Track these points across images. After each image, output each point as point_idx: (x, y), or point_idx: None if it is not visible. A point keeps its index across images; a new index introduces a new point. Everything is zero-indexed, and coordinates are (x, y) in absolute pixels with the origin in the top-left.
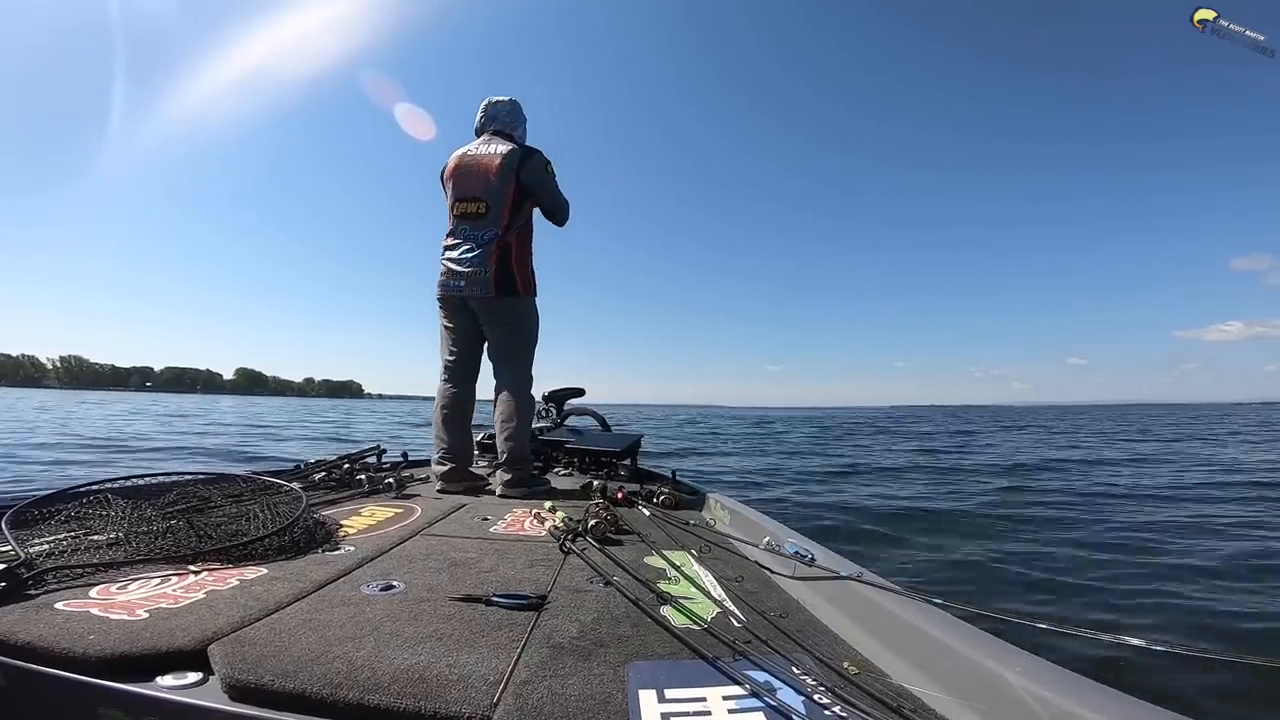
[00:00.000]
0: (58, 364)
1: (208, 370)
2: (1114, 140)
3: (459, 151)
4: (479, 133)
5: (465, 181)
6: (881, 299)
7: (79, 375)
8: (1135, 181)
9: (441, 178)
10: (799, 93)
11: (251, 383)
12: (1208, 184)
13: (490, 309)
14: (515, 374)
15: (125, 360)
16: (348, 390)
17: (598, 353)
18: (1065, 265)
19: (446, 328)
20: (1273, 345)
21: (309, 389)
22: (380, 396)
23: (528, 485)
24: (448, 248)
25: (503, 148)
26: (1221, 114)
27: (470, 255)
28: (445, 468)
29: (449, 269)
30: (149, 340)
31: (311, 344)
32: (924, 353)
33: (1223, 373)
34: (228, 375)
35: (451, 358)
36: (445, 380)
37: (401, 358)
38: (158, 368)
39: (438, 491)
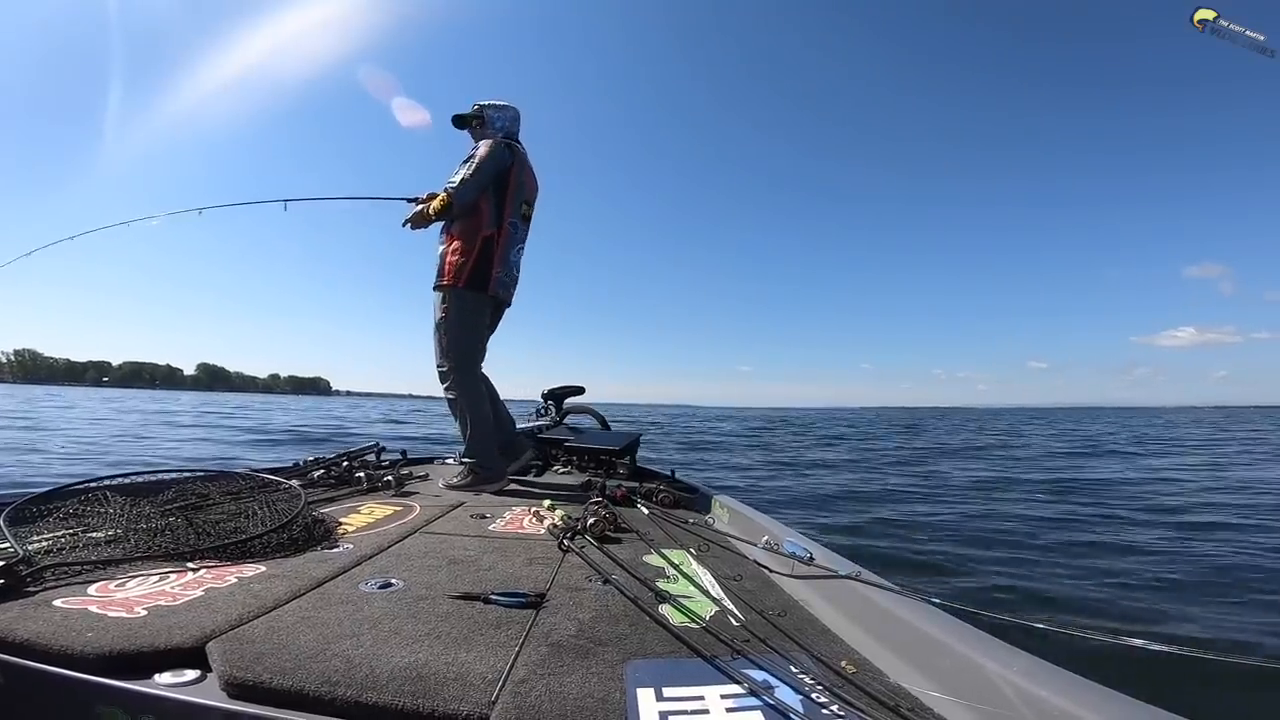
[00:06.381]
0: (11, 357)
1: (168, 365)
2: (1073, 148)
3: (520, 149)
4: (514, 136)
5: (532, 185)
6: (847, 299)
7: (33, 369)
8: (1091, 189)
9: (508, 168)
10: (769, 93)
11: (213, 378)
12: (1159, 194)
13: (504, 310)
14: None
15: (81, 354)
16: (315, 386)
17: (572, 350)
18: (1024, 268)
19: (480, 326)
20: (1223, 351)
21: (274, 385)
22: (349, 394)
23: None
24: (510, 248)
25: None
26: (1174, 128)
27: (520, 259)
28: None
29: (511, 274)
30: (107, 334)
31: (284, 339)
32: (888, 355)
33: (1175, 376)
34: (189, 370)
35: (479, 354)
36: (475, 376)
37: (384, 355)
38: (115, 362)
39: (494, 477)
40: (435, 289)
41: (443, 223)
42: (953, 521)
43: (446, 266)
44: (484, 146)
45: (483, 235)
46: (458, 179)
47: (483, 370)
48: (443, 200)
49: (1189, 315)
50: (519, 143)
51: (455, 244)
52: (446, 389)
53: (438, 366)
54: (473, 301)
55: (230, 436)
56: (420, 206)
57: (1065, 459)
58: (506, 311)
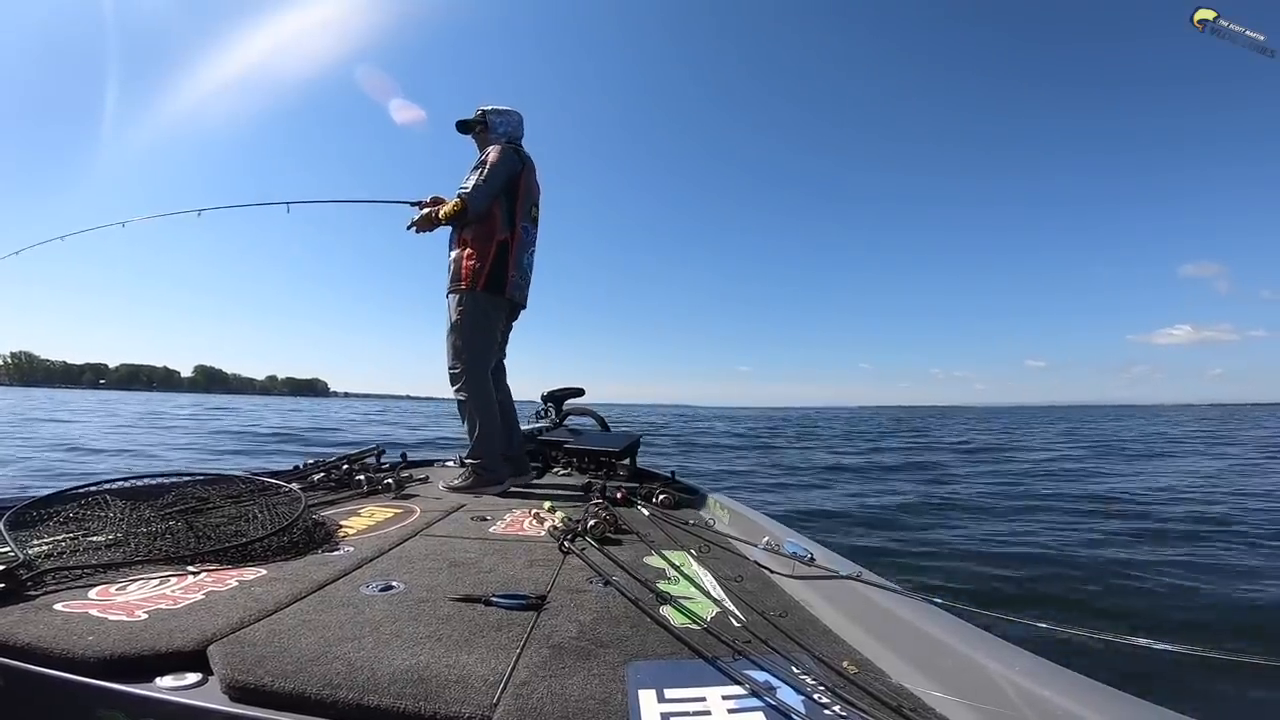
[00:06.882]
0: (8, 359)
1: (165, 367)
2: (1072, 148)
3: (525, 153)
4: (517, 140)
5: (535, 186)
6: (847, 300)
7: (28, 371)
8: (1089, 188)
9: (518, 173)
10: (768, 95)
11: (210, 380)
12: (1156, 194)
13: (519, 313)
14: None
15: (78, 356)
16: (312, 388)
17: (571, 351)
18: (1022, 268)
19: (494, 329)
20: (1219, 349)
21: (272, 387)
22: (347, 395)
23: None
24: (524, 251)
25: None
26: (1172, 128)
27: (532, 260)
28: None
29: (525, 276)
30: (104, 336)
31: (282, 341)
32: (886, 355)
33: (1172, 374)
34: (186, 372)
35: (490, 356)
36: (486, 378)
37: (383, 357)
38: (112, 364)
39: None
40: (450, 293)
41: (451, 229)
42: (977, 535)
43: (463, 271)
44: (494, 152)
45: (498, 240)
46: (470, 185)
47: (506, 383)
48: (456, 205)
49: (1185, 314)
50: (523, 147)
51: (469, 249)
52: (457, 390)
53: (449, 369)
54: (488, 304)
55: (217, 442)
56: (427, 210)
57: (1079, 461)
58: (521, 313)
